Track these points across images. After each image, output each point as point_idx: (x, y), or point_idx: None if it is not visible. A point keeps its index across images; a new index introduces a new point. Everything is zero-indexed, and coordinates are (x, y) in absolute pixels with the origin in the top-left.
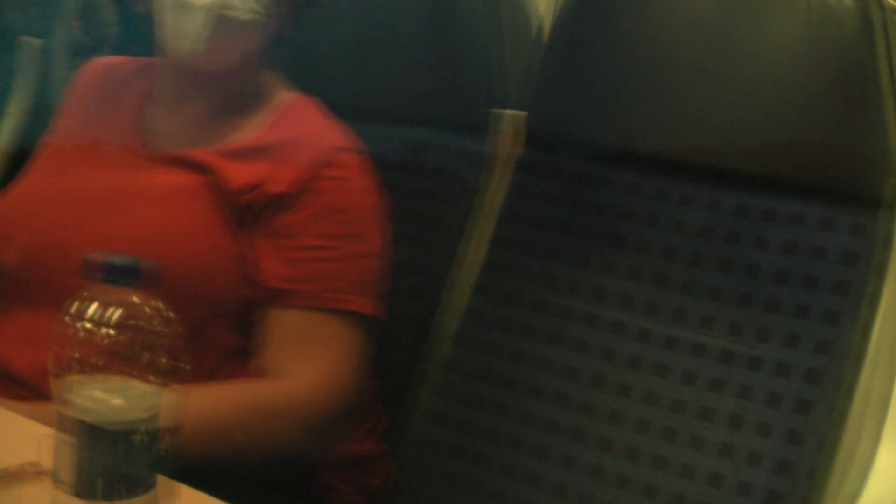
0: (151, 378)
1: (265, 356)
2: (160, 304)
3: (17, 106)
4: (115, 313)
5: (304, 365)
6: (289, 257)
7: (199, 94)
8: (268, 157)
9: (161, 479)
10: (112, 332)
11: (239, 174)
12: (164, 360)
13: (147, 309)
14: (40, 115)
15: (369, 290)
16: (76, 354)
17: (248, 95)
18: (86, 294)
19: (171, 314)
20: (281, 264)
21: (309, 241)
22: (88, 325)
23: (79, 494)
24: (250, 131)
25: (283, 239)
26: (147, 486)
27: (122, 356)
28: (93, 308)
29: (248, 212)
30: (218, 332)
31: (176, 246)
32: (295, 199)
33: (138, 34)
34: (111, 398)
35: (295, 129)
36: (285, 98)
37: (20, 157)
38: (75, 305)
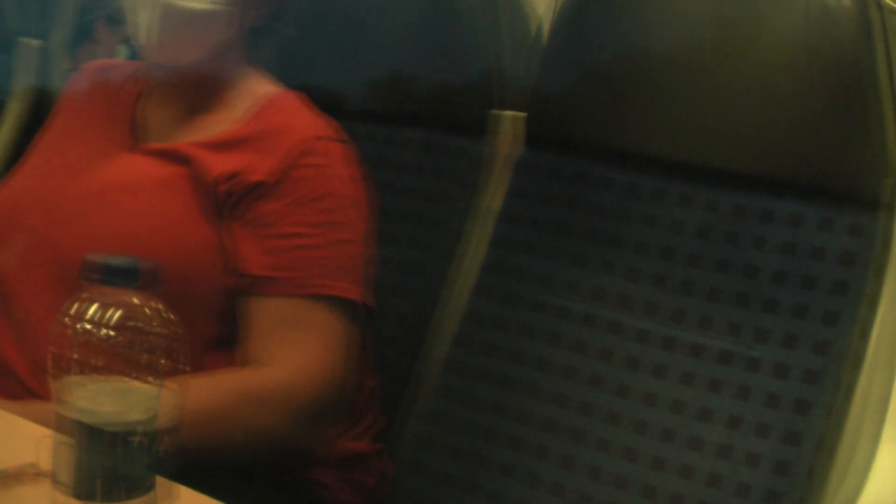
0: (150, 379)
1: (248, 345)
2: (160, 306)
3: (16, 106)
4: (115, 314)
5: (288, 351)
6: (269, 246)
7: (181, 90)
8: (247, 148)
9: (160, 481)
10: (111, 333)
11: (217, 164)
12: (163, 362)
13: (146, 310)
14: (38, 116)
15: (353, 276)
16: (75, 355)
17: (229, 90)
18: (85, 295)
19: (171, 315)
20: (261, 253)
21: (289, 228)
22: (88, 326)
23: (77, 496)
24: (231, 124)
25: (263, 227)
26: (146, 487)
27: (121, 357)
28: (92, 309)
29: (227, 201)
30: (200, 322)
31: (157, 237)
32: (273, 188)
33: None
34: (110, 399)
35: (274, 119)
36: (267, 92)
37: (19, 157)
38: (75, 306)
